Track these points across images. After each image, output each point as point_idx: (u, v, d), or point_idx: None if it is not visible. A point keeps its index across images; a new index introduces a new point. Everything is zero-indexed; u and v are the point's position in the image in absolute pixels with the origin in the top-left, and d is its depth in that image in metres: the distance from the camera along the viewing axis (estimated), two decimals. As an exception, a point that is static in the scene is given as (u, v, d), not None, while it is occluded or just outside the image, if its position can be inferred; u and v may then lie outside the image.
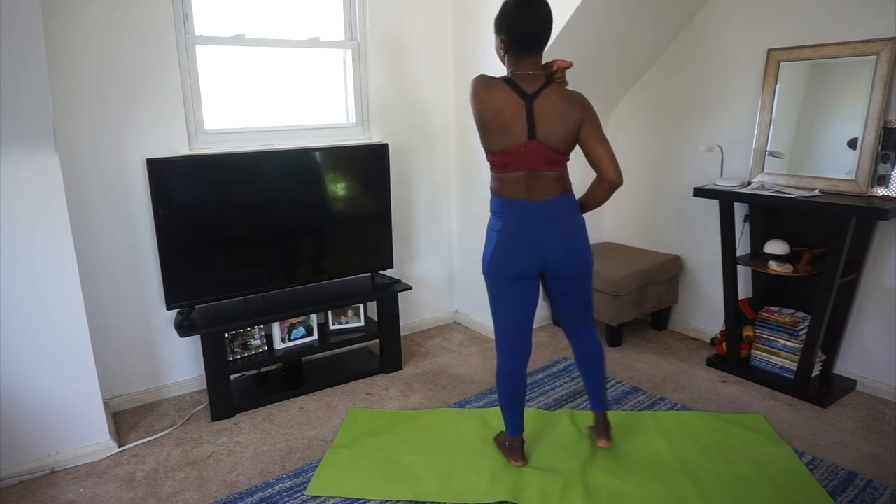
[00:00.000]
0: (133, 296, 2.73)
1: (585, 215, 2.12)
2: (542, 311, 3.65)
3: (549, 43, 2.00)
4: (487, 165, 2.04)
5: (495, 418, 2.59)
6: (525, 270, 2.06)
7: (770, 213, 2.94)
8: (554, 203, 2.02)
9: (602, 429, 2.32)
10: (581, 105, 1.97)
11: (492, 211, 2.12)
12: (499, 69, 2.11)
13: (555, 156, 1.98)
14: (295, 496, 2.13)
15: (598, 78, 3.31)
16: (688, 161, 3.33)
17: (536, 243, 2.03)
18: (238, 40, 2.85)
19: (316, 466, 2.30)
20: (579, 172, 2.19)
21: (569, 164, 2.08)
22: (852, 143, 2.63)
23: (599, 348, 2.28)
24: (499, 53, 2.03)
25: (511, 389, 2.20)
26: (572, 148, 2.02)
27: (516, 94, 1.92)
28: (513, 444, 2.28)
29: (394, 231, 3.25)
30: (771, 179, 2.84)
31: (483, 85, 1.98)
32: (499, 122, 1.93)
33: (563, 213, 2.04)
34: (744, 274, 3.11)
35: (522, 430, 2.26)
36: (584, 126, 1.95)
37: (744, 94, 3.02)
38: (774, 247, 2.79)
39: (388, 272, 3.26)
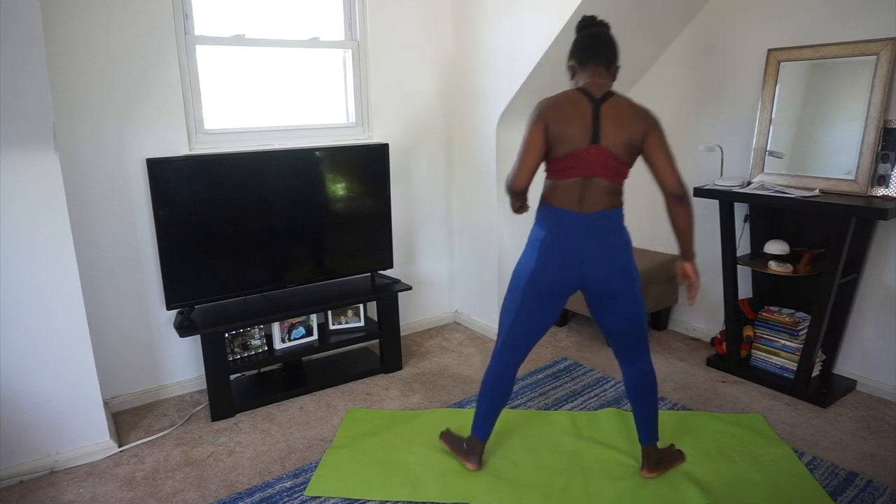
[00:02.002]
0: (133, 296, 2.73)
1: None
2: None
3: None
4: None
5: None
6: (561, 285, 2.00)
7: (770, 213, 2.94)
8: (600, 216, 1.95)
9: (648, 460, 2.17)
10: (647, 116, 1.98)
11: (536, 220, 2.07)
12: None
13: (615, 164, 1.94)
14: (295, 496, 2.13)
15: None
16: (688, 161, 3.32)
17: (578, 257, 1.96)
18: (238, 40, 2.85)
19: (316, 466, 2.30)
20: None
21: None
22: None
23: (653, 377, 2.14)
24: (571, 79, 2.09)
25: (496, 393, 2.17)
26: (634, 159, 1.98)
27: (584, 98, 1.94)
28: (472, 446, 2.24)
29: (394, 231, 3.25)
30: (771, 179, 2.84)
31: (549, 99, 1.99)
32: (567, 126, 1.92)
33: (608, 226, 1.97)
34: (744, 274, 3.11)
35: (488, 437, 2.23)
36: (649, 136, 1.94)
37: (744, 94, 3.02)
38: (774, 247, 2.79)
39: (387, 272, 3.26)
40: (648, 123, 1.95)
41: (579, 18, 2.09)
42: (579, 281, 2.00)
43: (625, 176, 1.99)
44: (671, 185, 1.96)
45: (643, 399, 2.13)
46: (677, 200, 1.98)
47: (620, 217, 2.01)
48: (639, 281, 2.05)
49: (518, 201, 2.09)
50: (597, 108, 1.92)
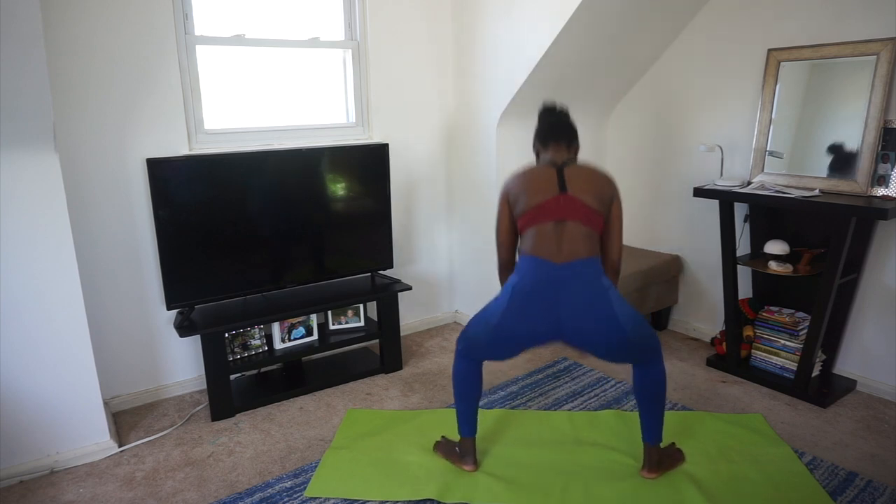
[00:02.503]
0: (133, 296, 2.73)
1: None
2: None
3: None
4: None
5: (495, 419, 2.59)
6: (529, 336, 1.98)
7: (770, 213, 2.94)
8: (578, 265, 1.95)
9: (649, 460, 2.16)
10: (612, 182, 2.10)
11: (515, 270, 2.08)
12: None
13: (587, 210, 1.99)
14: (295, 496, 2.13)
15: (598, 78, 3.32)
16: (688, 161, 3.33)
17: (554, 309, 1.94)
18: (238, 40, 2.85)
19: (316, 466, 2.30)
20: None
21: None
22: (832, 149, 2.65)
23: (663, 378, 2.10)
24: (537, 160, 2.22)
25: (467, 387, 2.17)
26: (606, 212, 2.06)
27: (547, 165, 2.10)
28: (463, 447, 2.23)
29: (394, 231, 3.25)
30: (771, 179, 2.84)
31: (515, 171, 2.15)
32: (530, 186, 2.06)
33: (587, 275, 1.96)
34: (744, 274, 3.10)
35: (475, 432, 2.23)
36: (613, 203, 2.09)
37: (744, 94, 3.02)
38: (774, 247, 2.79)
39: (387, 272, 3.26)
40: (614, 189, 2.10)
41: (542, 105, 2.25)
42: (556, 333, 1.97)
43: (600, 225, 2.04)
44: (614, 259, 2.13)
45: (650, 399, 2.11)
46: (614, 273, 2.13)
47: (599, 265, 2.00)
48: (632, 319, 1.97)
49: (505, 275, 2.17)
50: (560, 170, 2.06)
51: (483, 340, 2.07)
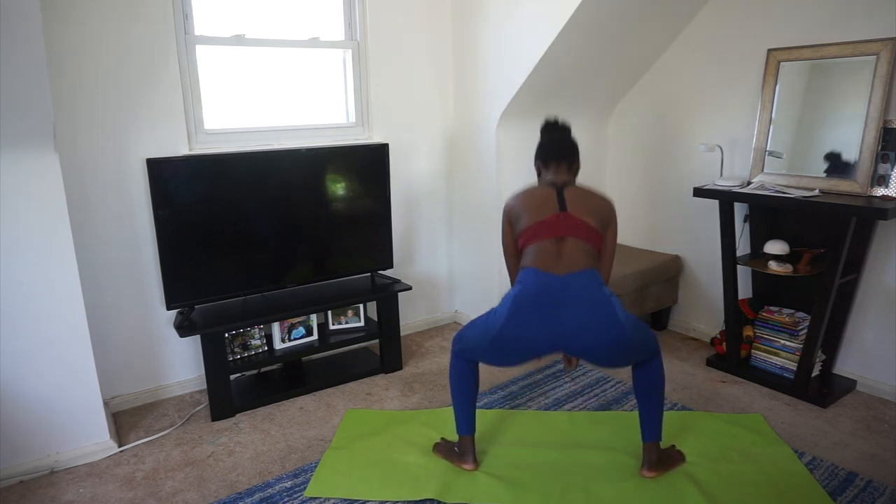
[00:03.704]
0: (133, 296, 2.73)
1: None
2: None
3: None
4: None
5: (495, 418, 2.59)
6: (530, 344, 1.99)
7: (770, 213, 2.94)
8: (578, 276, 1.97)
9: (649, 459, 2.17)
10: (611, 206, 2.17)
11: (516, 281, 2.10)
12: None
13: (586, 227, 2.05)
14: (295, 496, 2.13)
15: (598, 78, 3.32)
16: (688, 161, 3.33)
17: (556, 319, 1.95)
18: (238, 40, 2.85)
19: (316, 466, 2.30)
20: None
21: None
22: (829, 157, 2.66)
23: (660, 377, 2.13)
24: (538, 177, 2.28)
25: (464, 386, 2.18)
26: (604, 230, 2.11)
27: (547, 186, 2.17)
28: (462, 446, 2.24)
29: (394, 231, 3.25)
30: (771, 179, 2.84)
31: (516, 191, 2.23)
32: (530, 205, 2.13)
33: (587, 284, 1.97)
34: (744, 274, 3.11)
35: (474, 431, 2.23)
36: (610, 225, 2.16)
37: (744, 94, 3.02)
38: (774, 247, 2.79)
39: (387, 272, 3.26)
40: (612, 212, 2.17)
41: (544, 121, 2.32)
42: (557, 343, 1.98)
43: (599, 242, 2.08)
44: (607, 272, 2.19)
45: (650, 396, 2.13)
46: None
47: (599, 276, 2.02)
48: (633, 323, 1.99)
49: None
50: (560, 191, 2.13)
51: (482, 348, 2.09)
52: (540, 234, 2.05)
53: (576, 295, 1.95)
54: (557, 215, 2.06)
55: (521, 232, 2.12)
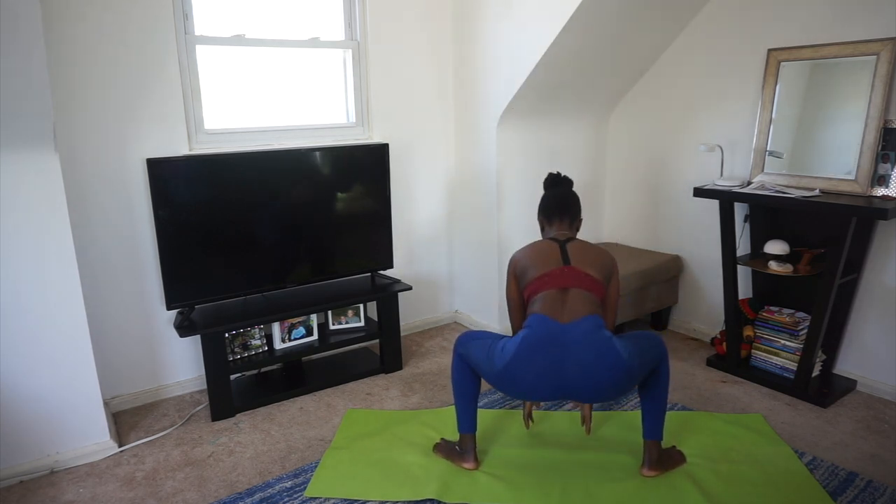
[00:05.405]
0: (133, 296, 2.73)
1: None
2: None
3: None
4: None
5: (495, 418, 2.59)
6: (533, 392, 2.05)
7: (770, 213, 2.94)
8: (582, 322, 2.00)
9: (649, 457, 2.17)
10: (612, 261, 2.26)
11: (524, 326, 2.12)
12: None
13: (589, 278, 2.11)
14: (295, 496, 2.13)
15: (599, 78, 3.32)
16: (688, 161, 3.33)
17: (559, 366, 1.98)
18: (238, 40, 2.85)
19: (316, 466, 2.30)
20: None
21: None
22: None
23: (666, 375, 2.15)
24: (542, 232, 2.40)
25: (466, 385, 2.20)
26: (605, 280, 2.18)
27: (551, 241, 2.27)
28: (463, 445, 2.24)
29: (394, 231, 3.25)
30: (771, 179, 2.84)
31: (521, 248, 2.31)
32: (535, 259, 2.21)
33: (590, 330, 1.99)
34: (744, 274, 3.11)
35: (475, 429, 2.24)
36: (612, 279, 2.25)
37: (744, 94, 3.02)
38: (774, 247, 2.79)
39: (388, 272, 3.26)
40: (613, 266, 2.26)
41: (547, 176, 2.43)
42: (558, 390, 2.00)
43: (601, 292, 2.14)
44: (611, 323, 2.26)
45: (653, 392, 2.15)
46: None
47: (600, 320, 2.04)
48: (637, 354, 2.01)
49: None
50: (563, 245, 2.22)
51: (485, 374, 2.13)
52: (545, 285, 2.12)
53: (577, 339, 1.99)
54: (562, 269, 2.14)
55: (527, 284, 2.18)
